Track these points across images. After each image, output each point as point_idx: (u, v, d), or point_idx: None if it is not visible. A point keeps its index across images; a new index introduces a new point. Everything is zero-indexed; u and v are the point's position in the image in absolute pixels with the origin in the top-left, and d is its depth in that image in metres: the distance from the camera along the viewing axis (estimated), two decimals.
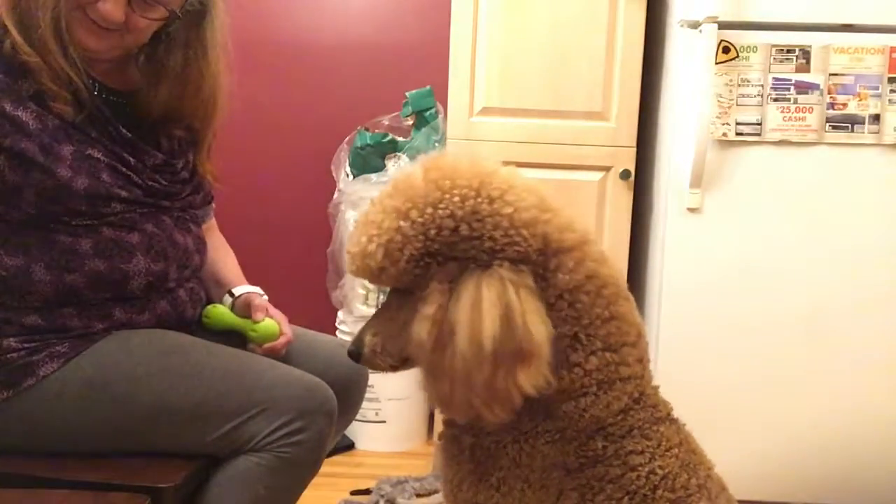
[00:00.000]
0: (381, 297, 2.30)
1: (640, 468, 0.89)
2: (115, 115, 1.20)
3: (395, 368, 0.95)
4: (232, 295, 1.37)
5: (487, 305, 0.81)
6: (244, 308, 1.35)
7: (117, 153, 1.17)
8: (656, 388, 0.96)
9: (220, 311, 1.35)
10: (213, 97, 1.29)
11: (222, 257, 1.46)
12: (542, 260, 0.86)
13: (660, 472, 0.89)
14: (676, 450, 0.91)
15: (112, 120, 1.19)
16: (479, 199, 0.85)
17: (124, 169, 1.17)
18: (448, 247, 0.85)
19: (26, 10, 1.09)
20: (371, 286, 2.30)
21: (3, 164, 1.09)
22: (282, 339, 1.31)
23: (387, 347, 0.93)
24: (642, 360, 0.93)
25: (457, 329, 0.82)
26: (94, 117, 1.16)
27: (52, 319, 1.13)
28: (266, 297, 1.39)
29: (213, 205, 1.47)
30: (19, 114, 1.09)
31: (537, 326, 0.82)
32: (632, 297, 0.93)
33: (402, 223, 0.85)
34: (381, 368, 0.95)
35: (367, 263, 0.87)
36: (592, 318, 0.87)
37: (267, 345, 1.30)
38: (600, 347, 0.87)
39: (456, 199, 0.85)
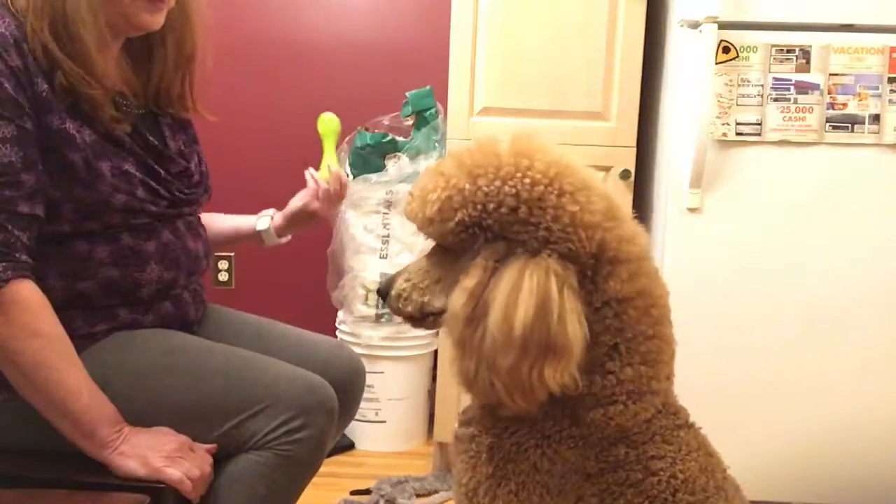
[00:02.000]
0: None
1: (661, 473, 0.88)
2: (141, 121, 1.21)
3: (413, 319, 0.96)
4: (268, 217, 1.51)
5: (526, 292, 0.80)
6: (289, 216, 1.53)
7: (148, 164, 1.18)
8: (675, 396, 0.96)
9: (331, 129, 1.62)
10: (202, 25, 1.30)
11: (222, 216, 1.53)
12: (594, 265, 0.85)
13: (680, 475, 0.88)
14: (696, 454, 0.91)
15: (138, 127, 1.19)
16: (550, 189, 0.85)
17: (154, 183, 1.18)
18: (501, 225, 0.84)
19: (70, 36, 1.08)
20: (373, 282, 2.30)
21: (47, 181, 1.08)
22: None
23: (412, 296, 0.94)
24: (670, 378, 0.93)
25: (491, 308, 0.82)
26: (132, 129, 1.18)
27: None
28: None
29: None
30: (66, 126, 1.09)
31: (574, 325, 0.81)
32: (672, 321, 0.92)
33: (467, 186, 0.85)
34: (400, 314, 0.96)
35: (420, 210, 0.88)
36: (636, 332, 0.86)
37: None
38: (638, 361, 0.87)
39: (527, 181, 0.85)
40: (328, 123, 1.63)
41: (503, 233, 0.84)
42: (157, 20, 1.17)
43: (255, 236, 1.51)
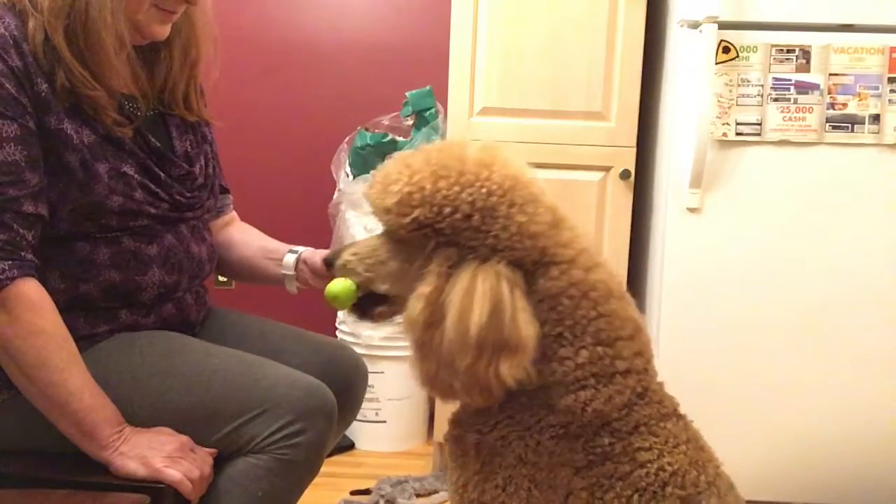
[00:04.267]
0: None
1: (648, 465, 0.89)
2: (142, 124, 1.21)
3: (356, 308, 1.03)
4: (294, 252, 1.36)
5: (480, 295, 0.86)
6: (314, 269, 1.32)
7: (148, 167, 1.18)
8: (661, 383, 0.97)
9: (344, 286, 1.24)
10: (210, 31, 1.30)
11: (259, 235, 1.46)
12: (534, 269, 0.90)
13: (668, 468, 0.90)
14: (684, 446, 0.92)
15: (141, 129, 1.19)
16: (502, 200, 0.89)
17: (153, 186, 1.18)
18: (454, 230, 0.89)
19: (89, 38, 1.08)
20: None
21: (45, 181, 1.08)
22: None
23: (357, 269, 1.00)
24: (643, 354, 0.94)
25: (447, 313, 0.87)
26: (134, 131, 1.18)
27: None
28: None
29: (231, 196, 1.48)
30: (64, 127, 1.09)
31: (526, 323, 0.87)
32: (627, 296, 0.95)
33: (429, 186, 0.89)
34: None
35: (379, 198, 0.92)
36: (576, 318, 0.90)
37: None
38: (590, 342, 0.90)
39: (484, 190, 0.89)
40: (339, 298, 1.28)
41: (455, 238, 0.89)
42: (166, 31, 1.18)
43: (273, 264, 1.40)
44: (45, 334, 1.04)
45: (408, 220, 0.89)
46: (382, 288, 0.99)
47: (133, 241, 1.16)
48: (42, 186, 1.07)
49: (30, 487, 1.07)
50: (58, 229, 1.11)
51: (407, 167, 0.92)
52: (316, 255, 1.33)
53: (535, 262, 0.90)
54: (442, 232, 0.89)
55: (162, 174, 1.20)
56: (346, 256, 1.01)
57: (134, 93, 1.21)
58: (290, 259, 1.35)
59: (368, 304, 1.03)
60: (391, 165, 0.94)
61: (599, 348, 0.90)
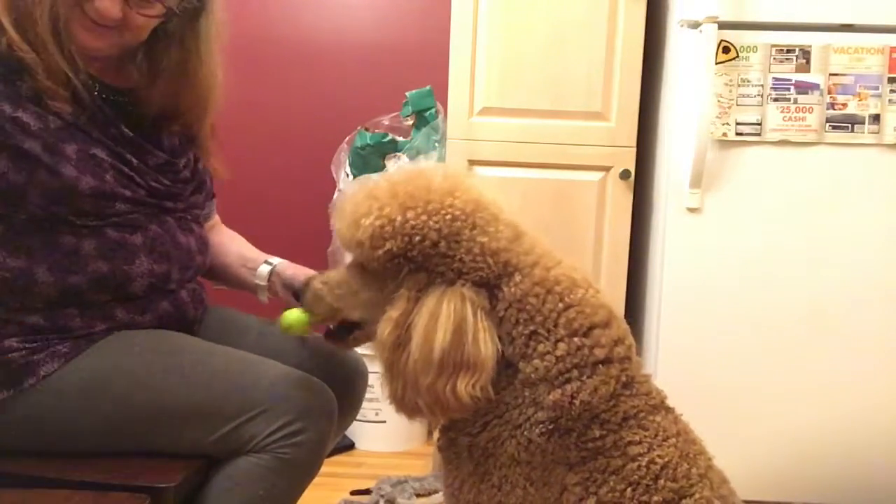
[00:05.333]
0: None
1: (639, 458, 0.90)
2: (116, 114, 1.20)
3: (325, 318, 1.07)
4: (269, 264, 1.37)
5: (444, 317, 0.90)
6: (286, 282, 1.33)
7: (120, 154, 1.17)
8: (648, 375, 0.97)
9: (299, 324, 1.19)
10: (208, 93, 1.29)
11: (240, 242, 1.47)
12: (498, 282, 0.94)
13: (659, 461, 0.90)
14: (674, 439, 0.93)
15: (113, 119, 1.19)
16: (464, 223, 0.93)
17: (127, 170, 1.17)
18: (424, 257, 0.93)
19: (24, 9, 1.08)
20: None
21: (6, 166, 1.08)
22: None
23: (326, 299, 1.04)
24: (622, 342, 0.95)
25: (413, 335, 0.91)
26: (94, 117, 1.16)
27: (53, 320, 1.13)
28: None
29: (215, 201, 1.47)
30: (19, 115, 1.09)
31: (486, 343, 0.90)
32: (595, 286, 0.98)
33: (399, 217, 0.93)
34: (314, 310, 1.07)
35: (350, 232, 0.95)
36: (545, 312, 0.93)
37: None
38: (565, 334, 0.92)
39: (448, 216, 0.93)
40: (293, 326, 1.16)
41: (425, 264, 0.93)
42: (93, 43, 1.15)
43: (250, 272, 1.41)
44: None
45: (381, 252, 0.93)
46: (355, 316, 1.03)
47: (116, 231, 1.16)
48: None
49: (30, 487, 1.07)
50: (31, 214, 1.11)
51: (375, 199, 0.94)
52: (289, 269, 1.35)
53: (498, 275, 0.93)
54: (413, 259, 0.93)
55: (135, 160, 1.19)
56: (315, 286, 1.05)
57: (123, 86, 1.21)
58: (264, 270, 1.37)
59: (343, 332, 1.07)
60: (359, 198, 0.97)
61: (576, 339, 0.92)
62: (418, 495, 2.05)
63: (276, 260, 1.38)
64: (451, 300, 0.90)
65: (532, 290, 0.93)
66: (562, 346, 0.91)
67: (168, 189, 1.24)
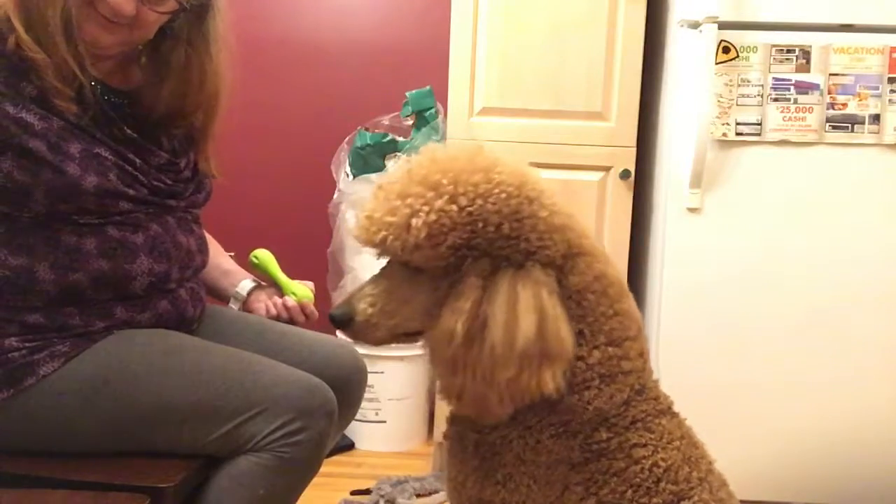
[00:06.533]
0: None
1: (643, 461, 0.89)
2: (119, 115, 1.20)
3: (381, 343, 0.93)
4: (254, 282, 1.48)
5: (523, 307, 0.83)
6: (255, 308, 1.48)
7: (122, 153, 1.17)
8: (656, 381, 0.97)
9: (269, 258, 1.47)
10: (215, 93, 1.30)
11: (216, 247, 1.49)
12: (563, 263, 0.88)
13: (662, 464, 0.90)
14: (678, 443, 0.92)
15: (116, 120, 1.19)
16: (521, 199, 0.86)
17: (130, 169, 1.17)
18: (488, 243, 0.85)
19: (35, 8, 1.08)
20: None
21: (11, 165, 1.09)
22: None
23: (381, 321, 0.90)
24: (643, 354, 0.94)
25: (491, 326, 0.83)
26: (97, 118, 1.17)
27: (53, 318, 1.13)
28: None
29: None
30: (23, 115, 1.09)
31: (566, 330, 0.85)
32: (631, 294, 0.95)
33: (451, 207, 0.84)
34: (368, 341, 0.92)
35: (400, 237, 0.85)
36: (597, 315, 0.89)
37: (305, 301, 1.44)
38: (603, 342, 0.89)
39: (503, 195, 0.86)
40: (262, 260, 1.48)
41: (488, 250, 0.86)
42: (104, 39, 1.15)
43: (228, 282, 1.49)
44: None
45: (443, 248, 0.85)
46: (414, 327, 0.92)
47: (118, 230, 1.16)
48: None
49: (30, 487, 1.07)
50: (35, 213, 1.11)
51: (415, 196, 0.85)
52: (258, 302, 1.46)
53: (563, 255, 0.88)
54: (477, 247, 0.85)
55: (138, 160, 1.19)
56: (364, 311, 0.90)
57: (127, 88, 1.22)
58: (246, 285, 1.47)
59: (398, 339, 0.95)
60: (391, 202, 0.86)
61: (610, 348, 0.89)
62: (418, 495, 2.05)
63: (250, 282, 1.47)
64: (525, 285, 0.84)
65: (591, 286, 0.89)
66: (596, 353, 0.89)
67: (170, 188, 1.24)
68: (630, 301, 0.93)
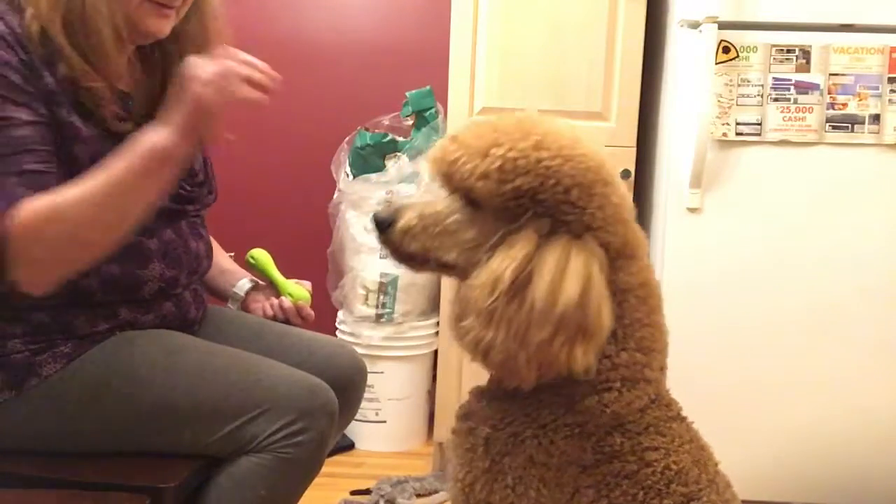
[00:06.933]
0: (382, 297, 2.30)
1: (655, 464, 0.89)
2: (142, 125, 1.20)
3: (409, 260, 0.92)
4: (252, 281, 1.49)
5: (573, 271, 0.82)
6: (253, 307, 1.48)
7: None
8: (668, 389, 0.97)
9: (265, 258, 1.48)
10: None
11: (216, 247, 1.48)
12: (615, 258, 0.88)
13: (674, 467, 0.90)
14: (688, 446, 0.92)
15: (140, 125, 1.18)
16: (597, 177, 0.87)
17: None
18: (554, 202, 0.85)
19: (84, 29, 1.07)
20: (373, 282, 2.30)
21: (56, 173, 1.07)
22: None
23: (420, 237, 0.90)
24: (663, 369, 0.94)
25: (536, 282, 0.82)
26: (132, 128, 1.16)
27: (58, 318, 1.13)
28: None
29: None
30: (73, 119, 1.08)
31: (607, 311, 0.85)
32: (664, 312, 0.95)
33: (534, 154, 0.84)
34: (398, 251, 0.91)
35: (473, 161, 0.85)
36: (633, 319, 0.89)
37: (301, 302, 1.45)
38: (633, 347, 0.89)
39: (583, 165, 0.86)
40: (258, 260, 1.50)
41: (551, 210, 0.85)
42: (163, 27, 1.15)
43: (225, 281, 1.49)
44: (70, 220, 1.00)
45: (509, 187, 0.84)
46: (450, 258, 0.90)
47: (134, 235, 1.16)
48: (56, 174, 1.05)
49: (30, 487, 1.07)
50: None
51: (504, 133, 0.86)
52: (256, 302, 1.47)
53: (617, 250, 0.88)
54: (541, 202, 0.85)
55: None
56: (409, 219, 0.89)
57: (132, 90, 1.21)
58: (244, 284, 1.47)
59: (428, 264, 0.93)
60: (482, 129, 0.87)
61: (638, 354, 0.89)
62: (418, 495, 2.06)
63: (249, 282, 1.48)
64: (579, 254, 0.83)
65: (636, 290, 0.89)
66: (624, 355, 0.89)
67: (189, 194, 1.25)
68: (663, 317, 0.93)
